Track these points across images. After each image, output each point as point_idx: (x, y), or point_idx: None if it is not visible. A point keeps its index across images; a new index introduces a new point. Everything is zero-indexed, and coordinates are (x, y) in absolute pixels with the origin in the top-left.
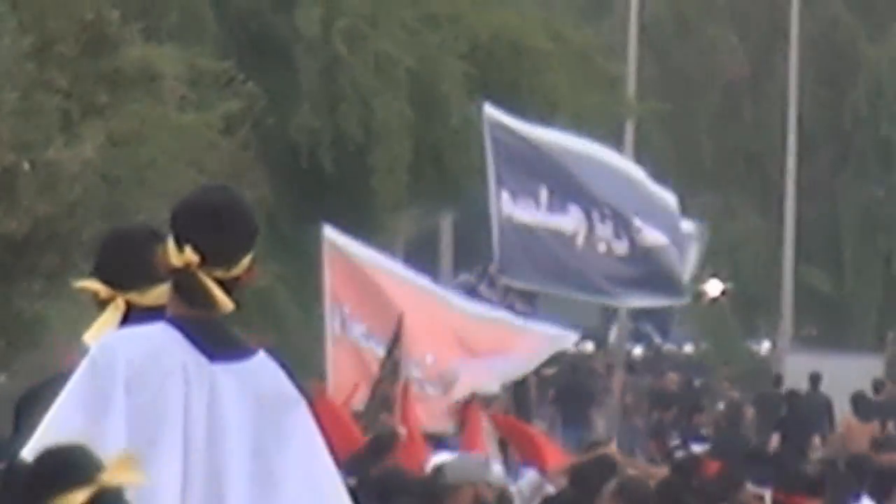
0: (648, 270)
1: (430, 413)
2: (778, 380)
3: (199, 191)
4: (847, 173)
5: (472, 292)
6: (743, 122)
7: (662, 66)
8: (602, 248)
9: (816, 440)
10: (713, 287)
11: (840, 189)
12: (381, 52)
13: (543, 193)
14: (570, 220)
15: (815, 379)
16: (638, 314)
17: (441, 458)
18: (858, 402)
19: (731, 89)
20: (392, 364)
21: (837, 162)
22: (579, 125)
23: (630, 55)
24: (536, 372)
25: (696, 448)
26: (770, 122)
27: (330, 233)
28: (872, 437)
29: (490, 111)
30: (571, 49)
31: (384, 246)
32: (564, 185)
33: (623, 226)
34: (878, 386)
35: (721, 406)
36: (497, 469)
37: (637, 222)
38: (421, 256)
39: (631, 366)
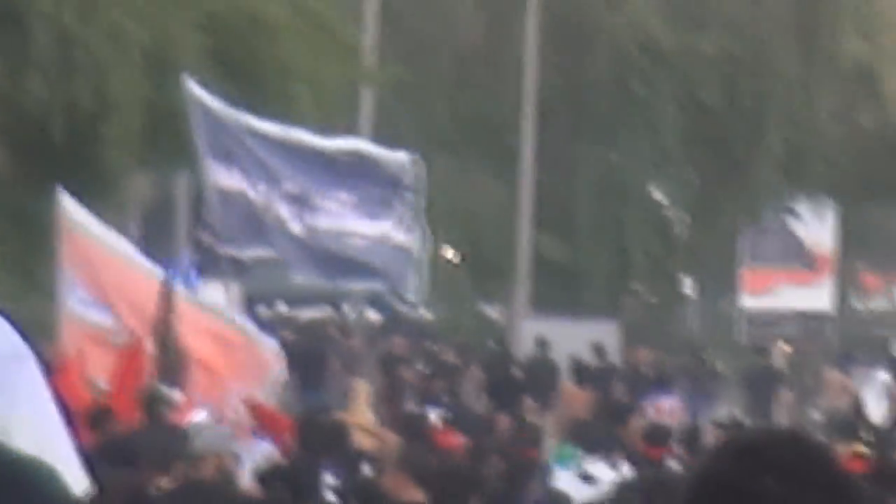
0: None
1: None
2: (501, 343)
3: None
4: (583, 141)
5: (208, 253)
6: (480, 89)
7: (401, 32)
8: (294, 228)
9: (529, 403)
10: (449, 252)
11: (576, 156)
12: (115, 22)
13: (237, 169)
14: (260, 196)
15: (541, 343)
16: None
17: (197, 418)
18: (578, 368)
19: (468, 55)
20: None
21: (574, 129)
22: (317, 94)
23: (369, 22)
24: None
25: (433, 413)
26: (508, 89)
27: (64, 199)
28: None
29: (189, 84)
30: (309, 18)
31: (119, 211)
32: (254, 163)
33: (306, 207)
34: (599, 351)
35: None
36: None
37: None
38: (158, 220)
39: (345, 330)
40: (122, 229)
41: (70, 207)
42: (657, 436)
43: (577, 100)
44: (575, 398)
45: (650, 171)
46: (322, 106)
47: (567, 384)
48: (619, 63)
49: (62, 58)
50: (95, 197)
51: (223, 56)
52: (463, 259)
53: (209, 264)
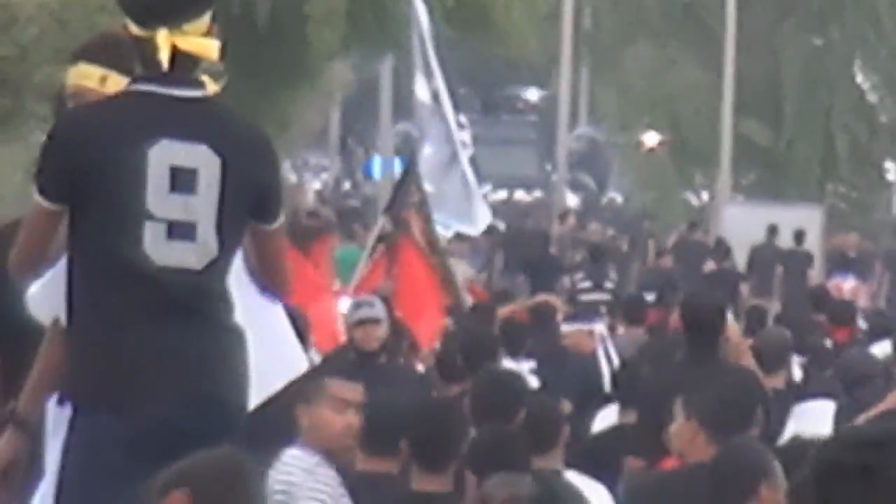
0: None
1: None
2: (692, 227)
3: None
4: (788, 25)
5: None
6: None
7: None
8: None
9: (744, 288)
10: (650, 138)
11: (781, 41)
12: None
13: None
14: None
15: (772, 230)
16: (576, 164)
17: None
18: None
19: None
20: None
21: (779, 13)
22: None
23: None
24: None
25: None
26: None
27: None
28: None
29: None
30: None
31: (323, 97)
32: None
33: None
34: (799, 237)
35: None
36: None
37: None
38: (360, 105)
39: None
40: (324, 116)
41: None
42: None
43: None
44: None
45: (855, 56)
46: None
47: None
48: None
49: None
50: (300, 80)
51: None
52: (664, 144)
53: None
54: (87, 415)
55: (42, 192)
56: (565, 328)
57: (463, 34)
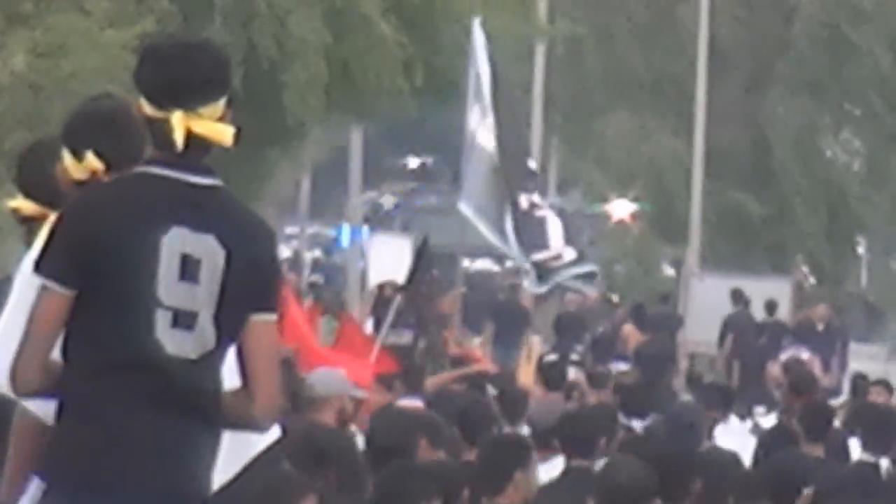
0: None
1: None
2: (665, 298)
3: (87, 102)
4: (768, 93)
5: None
6: (659, 43)
7: None
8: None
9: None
10: (620, 208)
11: (761, 111)
12: None
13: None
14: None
15: (738, 295)
16: None
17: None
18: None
19: (647, 9)
20: None
21: (750, 84)
22: (492, 47)
23: None
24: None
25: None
26: (686, 43)
27: None
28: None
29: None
30: None
31: (293, 161)
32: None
33: None
34: (770, 307)
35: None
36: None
37: None
38: (330, 173)
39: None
40: (295, 182)
41: None
42: None
43: (752, 54)
44: (633, 339)
45: (824, 128)
46: (498, 60)
47: (628, 327)
48: (792, 16)
49: (242, 3)
50: (273, 148)
51: (400, 6)
52: (634, 216)
53: (380, 220)
54: (58, 492)
55: (52, 277)
56: None
57: (434, 104)
